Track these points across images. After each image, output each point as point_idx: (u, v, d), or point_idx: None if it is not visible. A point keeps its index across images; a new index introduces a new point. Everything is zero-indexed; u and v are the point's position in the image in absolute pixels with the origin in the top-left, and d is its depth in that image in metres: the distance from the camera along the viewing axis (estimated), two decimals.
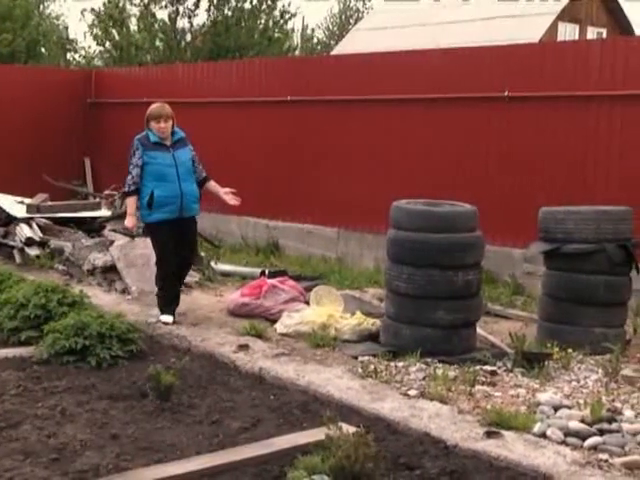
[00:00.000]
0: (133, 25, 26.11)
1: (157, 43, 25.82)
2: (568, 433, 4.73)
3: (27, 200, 10.97)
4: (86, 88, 14.50)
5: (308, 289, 8.10)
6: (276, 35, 26.89)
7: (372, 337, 6.79)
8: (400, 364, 6.11)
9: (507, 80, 9.02)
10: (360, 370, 5.97)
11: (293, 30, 31.84)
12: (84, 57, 29.04)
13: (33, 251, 9.79)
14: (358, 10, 51.17)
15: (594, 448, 4.58)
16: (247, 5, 25.74)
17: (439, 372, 5.84)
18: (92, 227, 10.58)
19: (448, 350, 6.27)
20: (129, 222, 7.44)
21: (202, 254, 9.36)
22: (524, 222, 8.33)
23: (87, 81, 14.61)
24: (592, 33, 31.58)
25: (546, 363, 6.07)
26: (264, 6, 26.11)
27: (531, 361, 6.01)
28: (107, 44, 25.81)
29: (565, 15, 30.55)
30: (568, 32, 30.54)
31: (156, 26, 25.51)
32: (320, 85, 10.92)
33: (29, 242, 9.86)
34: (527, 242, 7.61)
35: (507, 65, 9.09)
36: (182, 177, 7.24)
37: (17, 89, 13.77)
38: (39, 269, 9.49)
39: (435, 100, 9.65)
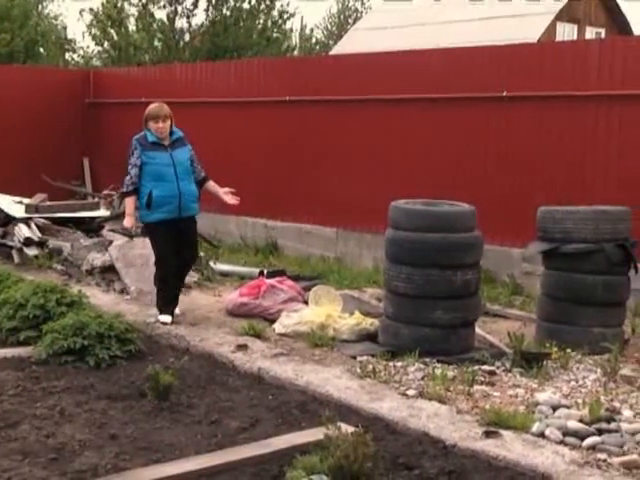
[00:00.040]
0: (131, 25, 26.17)
1: (155, 43, 25.84)
2: (567, 433, 4.74)
3: (26, 200, 10.97)
4: (84, 88, 14.49)
5: (307, 289, 8.10)
6: (275, 35, 26.93)
7: (371, 337, 6.79)
8: (399, 364, 6.11)
9: (506, 80, 9.02)
10: (359, 370, 5.97)
11: (292, 30, 31.91)
12: (82, 57, 29.07)
13: (32, 251, 9.79)
14: (357, 10, 51.21)
15: (593, 448, 4.59)
16: (246, 5, 25.78)
17: (438, 372, 5.84)
18: (91, 227, 10.58)
19: (447, 350, 6.27)
20: (128, 222, 7.44)
21: (201, 254, 9.36)
22: (523, 222, 8.33)
23: (85, 81, 14.60)
24: (591, 33, 31.61)
25: (545, 363, 6.07)
26: (262, 6, 26.15)
27: (530, 361, 6.02)
28: (105, 44, 25.84)
29: (564, 15, 30.57)
30: (567, 32, 30.56)
31: (154, 26, 25.53)
32: (319, 85, 10.92)
33: (28, 242, 9.85)
34: (526, 242, 7.61)
35: (506, 65, 9.09)
36: (180, 177, 7.24)
37: (15, 89, 13.76)
38: (38, 269, 9.49)
39: (434, 100, 9.65)
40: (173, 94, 11.94)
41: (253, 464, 4.37)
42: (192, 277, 8.77)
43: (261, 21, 26.40)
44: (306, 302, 7.71)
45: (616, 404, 5.29)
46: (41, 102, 13.90)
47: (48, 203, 10.96)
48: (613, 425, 4.80)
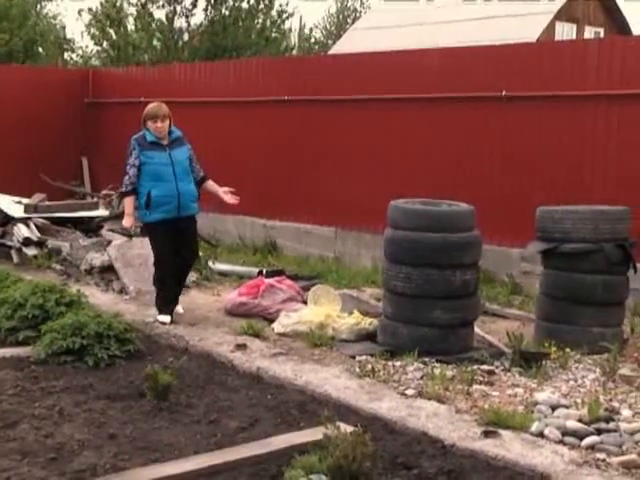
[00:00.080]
0: (130, 25, 26.15)
1: (154, 43, 25.83)
2: (566, 432, 4.74)
3: (25, 200, 10.97)
4: (83, 88, 14.48)
5: (306, 288, 8.10)
6: (273, 35, 26.93)
7: (370, 336, 6.79)
8: (398, 363, 6.11)
9: (504, 80, 9.03)
10: (358, 370, 5.97)
11: (290, 30, 31.97)
12: (81, 57, 29.06)
13: (31, 251, 9.79)
14: (355, 10, 51.16)
15: (591, 447, 4.59)
16: (244, 5, 25.76)
17: (437, 371, 5.84)
18: (90, 227, 10.58)
19: (446, 349, 6.27)
20: (127, 222, 7.44)
21: (200, 254, 9.35)
22: (522, 222, 8.33)
23: (84, 81, 14.59)
24: (589, 33, 31.61)
25: (544, 362, 6.07)
26: (261, 6, 26.13)
27: (529, 360, 6.02)
28: (104, 44, 25.83)
29: (562, 15, 30.57)
30: (565, 32, 30.56)
31: (153, 26, 25.52)
32: (318, 85, 10.92)
33: (27, 242, 9.85)
34: (525, 242, 7.61)
35: (505, 65, 9.10)
36: (179, 176, 7.24)
37: (14, 89, 13.75)
38: (37, 269, 9.48)
39: (433, 100, 9.65)
40: (172, 94, 11.94)
41: (252, 464, 4.37)
42: (191, 277, 8.76)
43: (260, 21, 26.39)
44: (305, 302, 7.71)
45: (615, 404, 5.29)
46: (40, 102, 13.89)
47: (47, 203, 10.95)
48: (612, 425, 4.80)
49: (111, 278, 8.78)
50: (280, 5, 26.70)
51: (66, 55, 29.11)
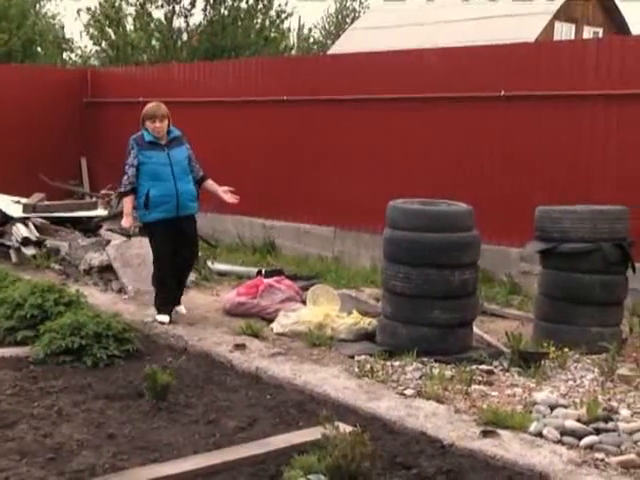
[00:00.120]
0: (129, 24, 26.13)
1: (153, 42, 25.82)
2: (564, 432, 4.74)
3: (23, 200, 10.97)
4: (82, 87, 14.48)
5: (304, 288, 8.10)
6: (272, 35, 26.90)
7: (368, 336, 6.79)
8: (396, 363, 6.11)
9: (503, 80, 9.03)
10: (356, 369, 5.98)
11: (289, 30, 31.91)
12: (80, 56, 29.06)
13: (29, 251, 9.78)
14: (354, 10, 51.18)
15: (590, 447, 4.59)
16: (243, 4, 25.74)
17: (435, 371, 5.85)
18: (88, 227, 10.58)
19: (444, 349, 6.27)
20: (126, 222, 7.43)
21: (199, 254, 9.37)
22: (521, 221, 8.33)
23: (83, 80, 14.59)
24: (588, 32, 31.60)
25: (542, 362, 6.07)
26: (260, 5, 26.12)
27: (527, 360, 6.02)
28: (103, 44, 25.81)
29: (561, 15, 30.56)
30: (564, 32, 30.55)
31: (152, 25, 25.50)
32: (316, 85, 10.92)
33: (25, 242, 9.85)
34: (523, 241, 7.61)
35: (503, 64, 9.10)
36: (177, 176, 7.24)
37: (13, 88, 13.75)
38: (35, 269, 9.48)
39: (433, 99, 9.65)
40: (171, 94, 11.94)
41: (251, 464, 4.37)
42: (190, 277, 8.76)
43: (259, 20, 26.37)
44: (304, 302, 7.71)
45: (614, 403, 5.29)
46: (39, 101, 13.89)
47: (46, 203, 10.95)
48: (611, 424, 4.80)
49: (110, 278, 8.78)
50: (279, 5, 26.72)
51: (65, 55, 29.11)
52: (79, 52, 29.20)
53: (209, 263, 9.50)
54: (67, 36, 30.30)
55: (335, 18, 51.57)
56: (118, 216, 9.07)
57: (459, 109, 9.41)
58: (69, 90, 14.28)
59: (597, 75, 8.36)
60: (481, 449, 4.54)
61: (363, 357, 6.29)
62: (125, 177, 7.27)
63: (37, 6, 30.89)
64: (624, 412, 5.09)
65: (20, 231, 9.97)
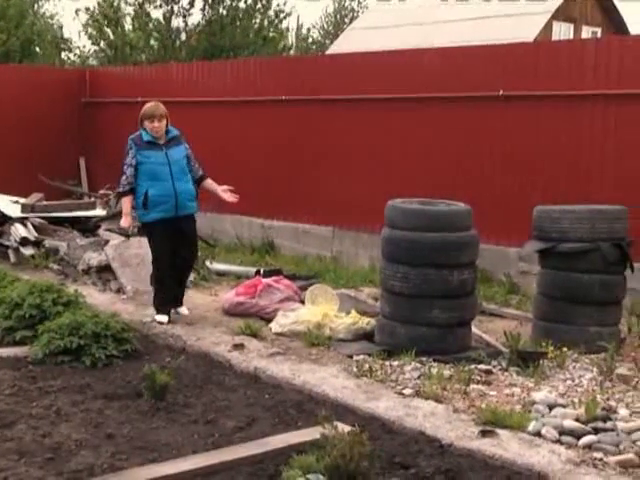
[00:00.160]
0: (128, 24, 26.11)
1: (152, 42, 25.79)
2: (563, 432, 4.74)
3: (22, 200, 10.96)
4: (81, 87, 14.48)
5: (303, 288, 8.10)
6: (271, 34, 26.88)
7: (367, 336, 6.80)
8: (395, 363, 6.12)
9: (502, 79, 9.03)
10: (355, 369, 5.98)
11: (288, 29, 31.88)
12: (79, 56, 29.04)
13: (28, 251, 9.78)
14: (353, 9, 51.16)
15: (589, 447, 4.59)
16: (242, 4, 25.73)
17: (434, 371, 5.85)
18: (87, 227, 10.57)
19: (443, 349, 6.27)
20: (125, 222, 7.43)
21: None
22: (519, 221, 8.33)
23: (82, 80, 14.59)
24: (587, 32, 31.59)
25: (541, 362, 6.07)
26: (259, 5, 26.10)
27: (526, 360, 6.02)
28: (102, 43, 25.79)
29: (560, 14, 30.55)
30: (563, 31, 30.54)
31: (151, 25, 25.48)
32: (315, 84, 10.91)
33: (24, 242, 9.84)
34: (522, 241, 7.61)
35: (502, 64, 9.10)
36: (176, 176, 7.24)
37: (12, 88, 13.75)
38: (34, 269, 9.48)
39: (432, 99, 9.64)
40: (169, 93, 11.93)
41: (249, 463, 4.37)
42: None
43: (257, 20, 26.36)
44: (302, 301, 7.71)
45: (612, 403, 5.29)
46: (37, 101, 13.89)
47: (44, 203, 10.95)
48: (609, 424, 4.81)
49: (108, 278, 8.78)
50: (277, 5, 26.71)
51: (63, 55, 29.08)
52: (77, 52, 29.22)
53: (208, 263, 9.50)
54: (65, 36, 30.32)
55: (334, 18, 51.56)
56: (117, 216, 9.07)
57: (458, 109, 9.41)
58: (67, 90, 14.28)
59: (596, 75, 8.36)
60: (480, 449, 4.54)
61: (362, 357, 6.29)
62: (124, 177, 7.27)
63: (35, 6, 30.86)
64: (623, 412, 5.10)
65: (19, 231, 9.97)
